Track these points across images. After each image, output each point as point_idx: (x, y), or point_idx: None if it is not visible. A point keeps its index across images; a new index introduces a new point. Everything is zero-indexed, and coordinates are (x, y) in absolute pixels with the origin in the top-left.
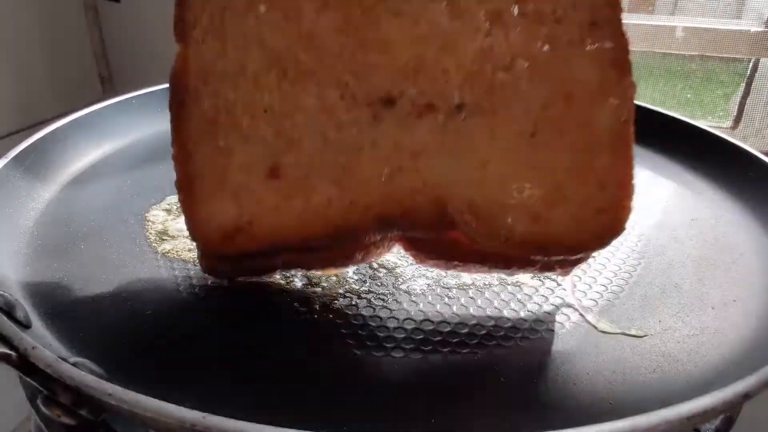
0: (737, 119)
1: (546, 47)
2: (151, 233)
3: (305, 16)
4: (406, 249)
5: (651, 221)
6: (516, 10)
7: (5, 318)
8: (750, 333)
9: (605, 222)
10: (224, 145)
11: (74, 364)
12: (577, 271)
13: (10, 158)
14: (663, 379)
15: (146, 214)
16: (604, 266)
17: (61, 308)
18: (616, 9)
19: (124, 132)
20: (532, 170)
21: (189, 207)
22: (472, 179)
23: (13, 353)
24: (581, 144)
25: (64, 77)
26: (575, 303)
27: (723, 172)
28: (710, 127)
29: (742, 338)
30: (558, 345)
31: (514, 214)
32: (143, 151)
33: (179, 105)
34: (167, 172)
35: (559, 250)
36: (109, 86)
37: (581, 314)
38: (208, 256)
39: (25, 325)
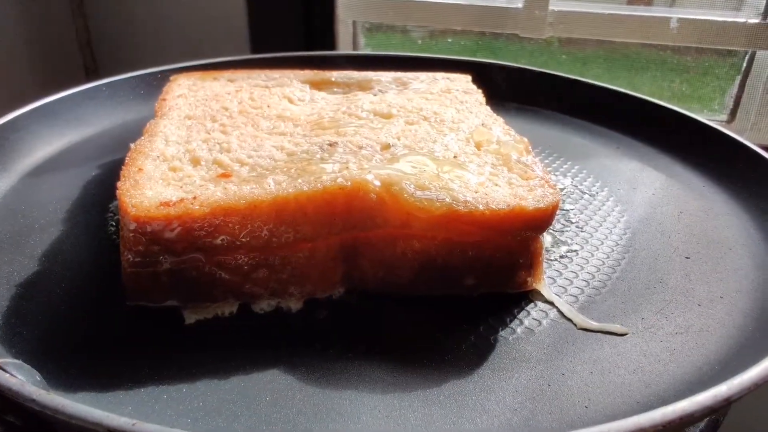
0: (733, 112)
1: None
2: (112, 225)
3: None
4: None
5: (638, 214)
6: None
7: None
8: (736, 332)
9: (537, 193)
10: (179, 166)
11: (1, 366)
12: (556, 265)
13: None
14: (643, 380)
15: (109, 206)
16: (587, 261)
17: (6, 305)
18: (498, 119)
19: (91, 120)
20: (463, 168)
21: (127, 192)
22: (415, 172)
23: None
24: (495, 161)
25: (48, 67)
26: (554, 299)
27: (713, 163)
28: (706, 118)
29: (728, 337)
30: (534, 344)
31: (456, 188)
32: (110, 140)
33: (139, 152)
34: None
35: (505, 214)
36: (94, 76)
37: (559, 311)
38: (136, 240)
39: None
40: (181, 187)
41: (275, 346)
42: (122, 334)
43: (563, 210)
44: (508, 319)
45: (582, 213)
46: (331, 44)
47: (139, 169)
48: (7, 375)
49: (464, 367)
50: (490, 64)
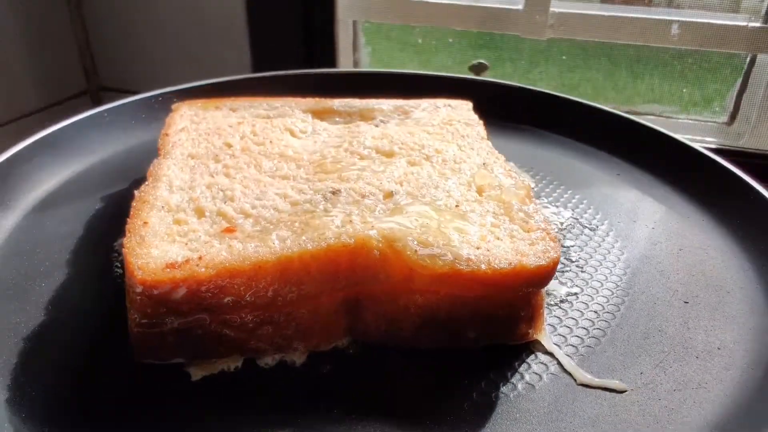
0: (733, 115)
1: (453, 173)
2: (117, 268)
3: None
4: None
5: (638, 251)
6: (426, 162)
7: None
8: (734, 389)
9: (539, 249)
10: (184, 218)
11: None
12: (557, 310)
13: None
14: None
15: (114, 244)
16: (586, 305)
17: (14, 361)
18: (499, 158)
19: (94, 148)
20: (464, 221)
21: (134, 251)
22: (417, 226)
23: None
24: (497, 210)
25: (47, 69)
26: (554, 350)
27: (711, 195)
28: (706, 121)
29: (725, 396)
30: (534, 402)
31: (458, 243)
32: (114, 168)
33: (143, 202)
34: (134, 197)
35: (506, 273)
36: (93, 78)
37: (560, 363)
38: (142, 304)
39: None
40: (186, 243)
41: (280, 406)
42: (129, 392)
43: (564, 247)
44: (509, 374)
45: (582, 250)
46: (331, 44)
47: (144, 222)
48: None
49: (467, 430)
50: (490, 84)
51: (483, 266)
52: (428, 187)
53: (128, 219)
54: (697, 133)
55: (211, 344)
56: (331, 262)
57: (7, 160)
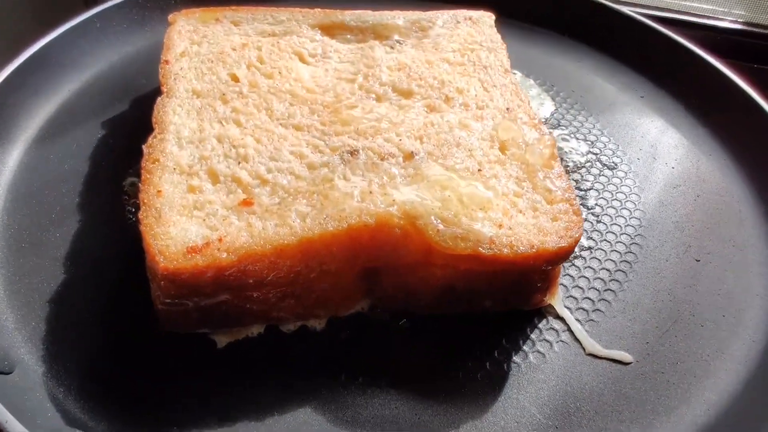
0: None
1: (474, 121)
2: (129, 212)
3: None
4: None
5: (655, 197)
6: (446, 106)
7: None
8: (736, 363)
9: (561, 227)
10: (198, 185)
11: None
12: (570, 269)
13: None
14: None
15: (123, 184)
16: (600, 262)
17: (44, 328)
18: (524, 101)
19: (87, 62)
20: (486, 192)
21: (152, 230)
22: (436, 198)
23: None
24: (521, 174)
25: None
26: (566, 315)
27: (739, 134)
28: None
29: (726, 370)
30: (544, 372)
31: (480, 222)
32: (111, 84)
33: (154, 161)
34: (136, 120)
35: (528, 255)
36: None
37: (570, 331)
38: (166, 288)
39: (6, 372)
40: (204, 219)
41: (301, 371)
42: (159, 359)
43: (582, 191)
44: (521, 341)
45: (600, 194)
46: None
47: (158, 191)
48: None
49: (480, 403)
50: None
51: (505, 250)
52: (449, 144)
53: (140, 185)
54: None
55: (234, 316)
56: (352, 241)
57: (0, 89)
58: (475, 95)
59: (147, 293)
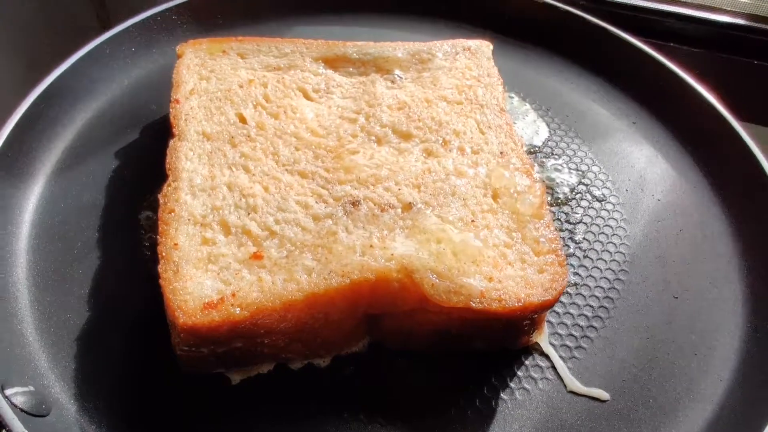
0: None
1: (469, 168)
2: (146, 246)
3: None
4: (372, 332)
5: (640, 231)
6: (444, 150)
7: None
8: (705, 403)
9: (546, 279)
10: (211, 237)
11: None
12: (557, 306)
13: None
14: None
15: (139, 217)
16: (584, 298)
17: (74, 366)
18: (517, 144)
19: (100, 89)
20: (477, 245)
21: (171, 285)
22: (432, 253)
23: None
24: (511, 224)
25: (61, 17)
26: (550, 353)
27: (720, 164)
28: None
29: (694, 410)
30: (528, 410)
31: (472, 276)
32: (123, 111)
33: (169, 212)
34: (147, 150)
35: (514, 306)
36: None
37: (554, 367)
38: (185, 339)
39: (42, 415)
40: (218, 273)
41: (308, 409)
42: (181, 397)
43: (569, 224)
44: (508, 378)
45: (588, 228)
46: None
47: (175, 244)
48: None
49: None
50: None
51: (494, 304)
52: (445, 193)
53: (158, 237)
54: None
55: (247, 358)
56: (354, 293)
57: (19, 123)
58: (471, 138)
59: (165, 331)
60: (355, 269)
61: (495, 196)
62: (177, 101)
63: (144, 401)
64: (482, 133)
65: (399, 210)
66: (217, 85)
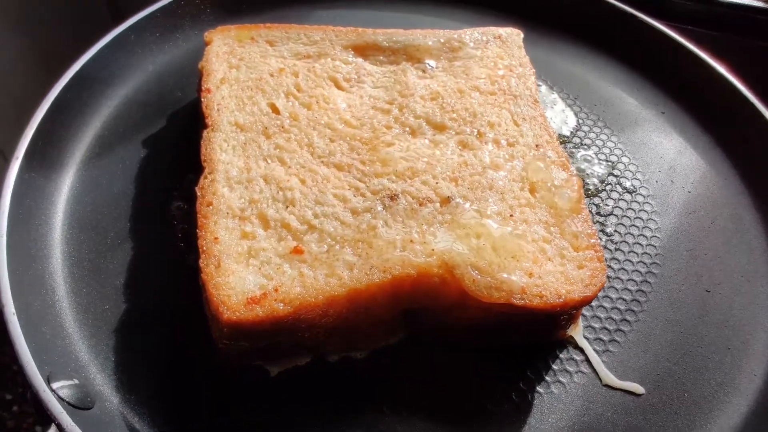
0: None
1: (505, 161)
2: (179, 237)
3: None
4: (408, 326)
5: (672, 223)
6: (479, 142)
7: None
8: (738, 398)
9: (586, 275)
10: (251, 230)
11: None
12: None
13: (20, 158)
14: None
15: (170, 208)
16: (617, 291)
17: (113, 358)
18: (552, 136)
19: (124, 77)
20: (517, 239)
21: (213, 279)
22: (471, 248)
23: None
24: (549, 219)
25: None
26: (585, 346)
27: (751, 154)
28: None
29: (728, 403)
30: (564, 403)
31: (512, 271)
32: (149, 98)
33: (208, 204)
34: (174, 137)
35: (555, 302)
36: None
37: (588, 361)
38: (228, 333)
39: (86, 408)
40: (260, 268)
41: (345, 401)
42: (221, 388)
43: (600, 217)
44: (543, 372)
45: (619, 220)
46: None
47: (215, 238)
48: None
49: (508, 427)
50: None
51: (535, 300)
52: (483, 187)
53: (198, 230)
54: None
55: (287, 351)
56: (395, 289)
57: (48, 113)
58: (506, 130)
59: (203, 323)
60: (396, 264)
61: (532, 190)
62: (208, 90)
63: (183, 393)
64: (516, 125)
65: (437, 204)
66: (247, 73)
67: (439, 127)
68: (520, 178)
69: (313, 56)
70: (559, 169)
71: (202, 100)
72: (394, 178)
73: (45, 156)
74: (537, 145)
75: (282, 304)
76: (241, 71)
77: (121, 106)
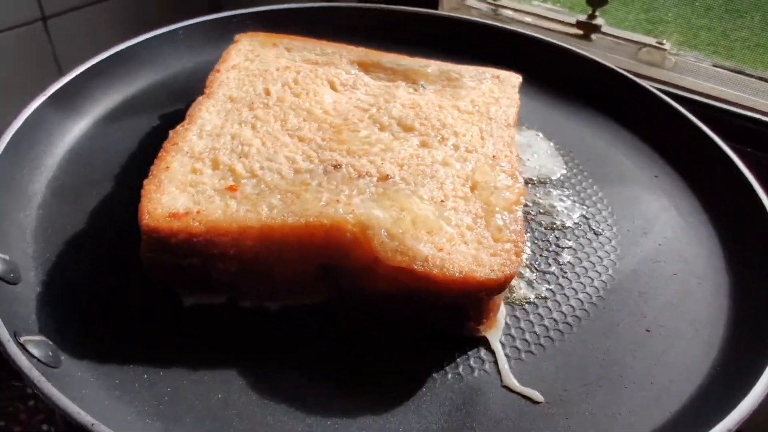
0: None
1: (457, 162)
2: None
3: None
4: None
5: (630, 267)
6: (438, 144)
7: None
8: (642, 426)
9: (497, 262)
10: (200, 168)
11: (23, 344)
12: (519, 311)
13: (46, 96)
14: None
15: None
16: (550, 312)
17: (55, 263)
18: (512, 153)
19: (167, 63)
20: (439, 221)
21: (149, 195)
22: (391, 217)
23: None
24: (480, 212)
25: None
26: (497, 350)
27: (743, 234)
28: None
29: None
30: (456, 392)
31: (423, 242)
32: (178, 86)
33: (173, 144)
34: None
35: (455, 279)
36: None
37: (496, 363)
38: (150, 242)
39: (11, 282)
40: (193, 195)
41: (242, 350)
42: (131, 309)
43: (558, 248)
44: (445, 361)
45: (576, 253)
46: None
47: (167, 167)
48: (24, 357)
49: (383, 403)
50: (557, 48)
51: (435, 270)
52: (425, 175)
53: (155, 160)
54: None
55: (201, 280)
56: (307, 236)
57: (87, 70)
58: (470, 140)
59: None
60: (313, 214)
61: (473, 188)
62: (218, 71)
63: (98, 303)
64: (482, 138)
65: (375, 179)
66: (257, 65)
67: (407, 128)
68: (465, 176)
69: (320, 63)
70: (507, 177)
71: (209, 77)
72: (345, 154)
73: (68, 103)
74: (494, 156)
75: (198, 223)
76: (253, 63)
77: (149, 86)
